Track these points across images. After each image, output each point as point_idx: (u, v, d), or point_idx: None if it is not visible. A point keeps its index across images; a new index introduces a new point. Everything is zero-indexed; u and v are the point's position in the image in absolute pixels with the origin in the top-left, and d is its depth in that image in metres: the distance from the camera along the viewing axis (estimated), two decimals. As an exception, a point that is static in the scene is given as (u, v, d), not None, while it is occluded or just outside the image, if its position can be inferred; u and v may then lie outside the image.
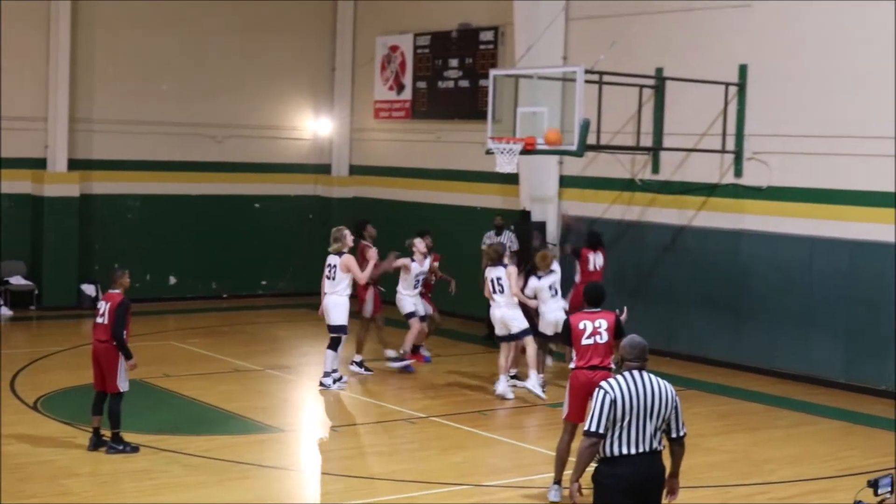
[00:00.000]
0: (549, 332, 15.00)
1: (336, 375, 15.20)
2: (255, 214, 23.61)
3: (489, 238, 19.07)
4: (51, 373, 15.42)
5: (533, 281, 14.98)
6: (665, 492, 7.52)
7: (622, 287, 17.63)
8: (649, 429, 7.30)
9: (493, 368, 15.84)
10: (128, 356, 11.66)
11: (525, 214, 19.69)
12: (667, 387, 7.39)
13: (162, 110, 22.35)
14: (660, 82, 17.48)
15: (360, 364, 16.13)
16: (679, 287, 17.88)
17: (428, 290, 16.87)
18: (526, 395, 14.73)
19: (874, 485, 7.44)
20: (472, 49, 21.43)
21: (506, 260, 14.87)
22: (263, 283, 23.79)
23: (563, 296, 15.44)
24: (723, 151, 17.23)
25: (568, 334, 10.60)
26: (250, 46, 23.27)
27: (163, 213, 22.50)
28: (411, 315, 16.28)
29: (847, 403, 15.20)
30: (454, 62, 21.73)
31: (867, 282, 15.74)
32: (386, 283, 16.91)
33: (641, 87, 17.25)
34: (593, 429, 7.28)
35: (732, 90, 17.16)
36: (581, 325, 10.50)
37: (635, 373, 7.38)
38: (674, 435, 7.46)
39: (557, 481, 10.53)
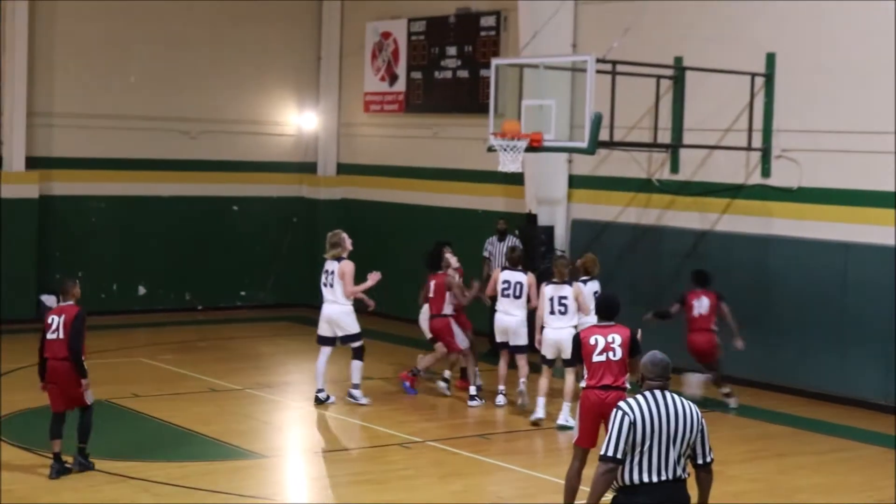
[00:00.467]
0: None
1: (323, 395, 15.36)
2: (233, 218, 23.59)
3: (491, 244, 19.07)
4: (8, 393, 15.34)
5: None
6: (690, 525, 7.51)
7: (638, 298, 17.57)
8: (672, 455, 7.27)
9: (495, 387, 15.81)
10: (83, 374, 11.75)
11: (531, 218, 19.69)
12: (692, 408, 7.37)
13: (129, 103, 22.32)
14: (679, 72, 17.49)
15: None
16: (700, 298, 17.84)
17: (459, 310, 16.30)
18: (525, 414, 14.74)
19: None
20: (472, 36, 21.42)
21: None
22: (242, 293, 23.77)
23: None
24: (748, 149, 17.22)
25: (578, 350, 10.58)
26: (227, 32, 23.27)
27: (131, 217, 22.46)
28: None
29: (886, 427, 15.15)
30: (452, 50, 21.74)
31: (908, 292, 15.76)
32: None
33: (659, 77, 17.25)
34: (610, 454, 7.25)
35: (759, 81, 17.17)
36: (592, 341, 10.48)
37: (657, 392, 7.35)
38: (700, 461, 7.43)
39: (567, 512, 10.51)
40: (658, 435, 7.24)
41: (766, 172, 17.29)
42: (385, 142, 23.53)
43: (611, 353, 10.44)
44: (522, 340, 15.24)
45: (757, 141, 17.22)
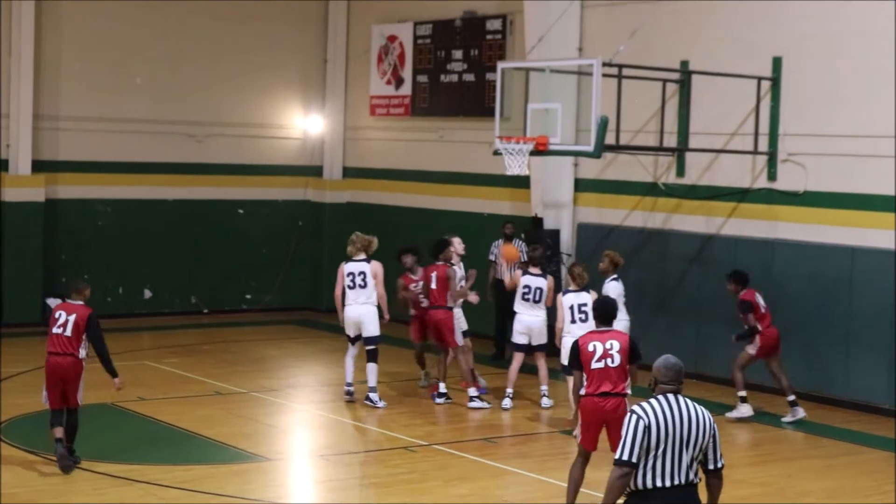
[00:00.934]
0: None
1: (352, 389, 15.65)
2: (238, 221, 23.54)
3: (497, 247, 18.98)
4: (13, 396, 15.32)
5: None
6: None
7: (643, 303, 17.56)
8: (685, 459, 7.20)
9: (501, 391, 15.79)
10: (113, 374, 12.20)
11: (537, 221, 19.63)
12: (704, 413, 7.32)
13: (135, 106, 22.27)
14: (685, 76, 17.44)
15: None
16: (707, 302, 17.77)
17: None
18: (532, 417, 14.60)
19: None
20: (478, 39, 21.37)
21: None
22: (248, 296, 23.72)
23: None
24: (755, 153, 17.18)
25: (577, 357, 10.49)
26: (233, 36, 23.21)
27: (137, 220, 22.41)
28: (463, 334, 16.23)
29: (893, 432, 15.05)
30: (458, 54, 21.69)
31: (915, 296, 15.67)
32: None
33: (665, 81, 17.24)
34: (625, 458, 7.16)
35: (766, 85, 17.10)
36: (591, 347, 10.42)
37: (670, 397, 7.28)
38: (711, 466, 7.36)
39: (571, 510, 10.44)
40: (672, 439, 7.16)
41: (772, 176, 17.22)
42: (391, 145, 23.48)
43: (609, 360, 10.41)
44: (544, 340, 15.57)
45: (763, 145, 17.17)
